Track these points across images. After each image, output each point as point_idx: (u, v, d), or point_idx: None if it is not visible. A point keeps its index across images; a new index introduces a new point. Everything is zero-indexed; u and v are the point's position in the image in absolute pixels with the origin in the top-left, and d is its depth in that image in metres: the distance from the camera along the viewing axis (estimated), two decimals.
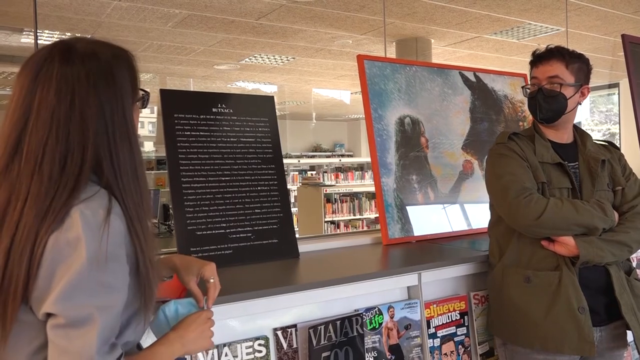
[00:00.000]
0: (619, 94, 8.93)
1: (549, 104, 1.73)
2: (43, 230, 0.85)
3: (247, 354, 1.47)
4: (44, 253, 0.85)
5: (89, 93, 0.91)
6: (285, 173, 2.06)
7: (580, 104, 1.81)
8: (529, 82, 1.85)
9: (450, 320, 1.88)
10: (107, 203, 0.89)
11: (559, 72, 1.73)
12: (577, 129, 1.87)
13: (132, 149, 0.96)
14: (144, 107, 1.07)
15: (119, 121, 0.94)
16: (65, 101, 0.89)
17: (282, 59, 6.80)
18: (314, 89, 9.29)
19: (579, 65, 1.76)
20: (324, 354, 1.56)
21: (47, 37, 5.25)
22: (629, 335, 1.72)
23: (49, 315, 0.86)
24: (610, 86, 9.04)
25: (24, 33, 5.24)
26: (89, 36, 1.05)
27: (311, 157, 11.74)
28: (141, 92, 1.04)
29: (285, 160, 2.11)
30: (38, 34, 4.89)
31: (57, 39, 0.99)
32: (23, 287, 0.85)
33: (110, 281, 0.87)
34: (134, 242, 0.92)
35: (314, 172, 10.12)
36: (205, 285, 1.17)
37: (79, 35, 5.19)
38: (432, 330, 1.83)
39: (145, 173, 1.00)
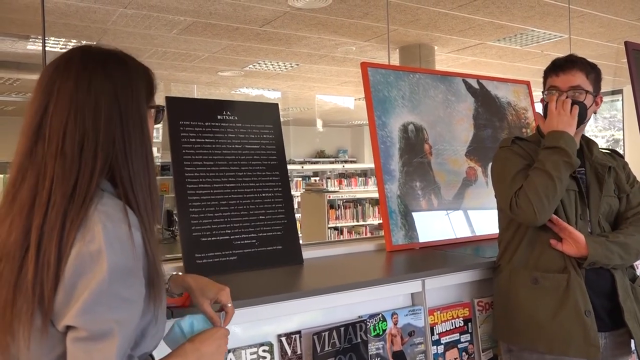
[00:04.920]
0: (622, 100, 8.93)
1: None
2: (73, 212, 0.87)
3: None
4: (67, 264, 0.85)
5: (104, 82, 0.95)
6: (289, 179, 2.07)
7: (595, 113, 1.82)
8: (532, 90, 1.85)
9: (454, 327, 1.88)
10: (125, 216, 0.90)
11: (581, 82, 1.73)
12: (582, 136, 1.88)
13: (144, 140, 0.99)
14: (158, 122, 1.09)
15: (132, 111, 0.97)
16: (82, 87, 0.93)
17: (285, 66, 6.83)
18: (318, 95, 9.31)
19: (595, 75, 1.78)
20: None
21: (54, 44, 5.29)
22: (633, 343, 1.72)
23: (69, 327, 0.86)
24: (613, 92, 9.03)
25: (30, 40, 5.28)
26: (94, 43, 1.09)
27: (314, 163, 11.75)
28: (156, 104, 1.06)
29: (288, 167, 2.12)
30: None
31: (64, 46, 1.02)
32: (55, 267, 0.85)
33: (129, 295, 0.88)
34: (148, 253, 0.93)
35: (317, 178, 10.13)
36: (218, 306, 1.19)
37: (85, 42, 5.23)
38: (436, 337, 1.83)
39: (154, 165, 1.01)
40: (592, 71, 1.76)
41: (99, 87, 0.94)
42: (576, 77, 1.73)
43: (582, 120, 1.74)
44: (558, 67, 1.77)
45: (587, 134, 1.93)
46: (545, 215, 1.64)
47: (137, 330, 0.93)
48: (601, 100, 1.81)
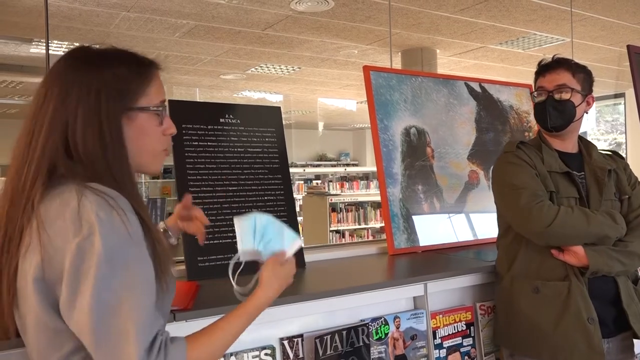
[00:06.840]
0: (624, 103, 8.92)
1: (558, 112, 1.74)
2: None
3: None
4: (66, 259, 0.85)
5: (55, 79, 0.97)
6: (291, 182, 2.08)
7: (587, 112, 1.82)
8: (533, 91, 1.85)
9: (456, 330, 1.88)
10: (105, 201, 0.88)
11: (567, 81, 1.74)
12: (581, 139, 1.88)
13: (103, 136, 0.94)
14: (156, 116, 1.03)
15: (88, 108, 0.94)
16: (43, 87, 0.98)
17: (287, 69, 6.84)
18: (320, 99, 9.33)
19: (584, 75, 1.78)
20: None
21: (57, 47, 5.31)
22: (637, 346, 1.71)
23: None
24: (616, 96, 9.03)
25: (34, 43, 5.30)
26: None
27: (316, 166, 11.75)
28: (150, 104, 1.01)
29: (290, 170, 2.12)
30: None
31: (67, 50, 1.03)
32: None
33: (135, 280, 0.87)
34: (145, 231, 0.93)
35: (319, 181, 10.13)
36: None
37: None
38: (438, 340, 1.83)
39: (126, 165, 0.98)
40: (580, 70, 1.77)
41: (51, 84, 0.97)
42: (561, 76, 1.75)
43: (571, 118, 1.74)
44: (544, 67, 1.79)
45: (589, 138, 1.92)
46: (545, 241, 1.65)
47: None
48: (593, 100, 1.81)
